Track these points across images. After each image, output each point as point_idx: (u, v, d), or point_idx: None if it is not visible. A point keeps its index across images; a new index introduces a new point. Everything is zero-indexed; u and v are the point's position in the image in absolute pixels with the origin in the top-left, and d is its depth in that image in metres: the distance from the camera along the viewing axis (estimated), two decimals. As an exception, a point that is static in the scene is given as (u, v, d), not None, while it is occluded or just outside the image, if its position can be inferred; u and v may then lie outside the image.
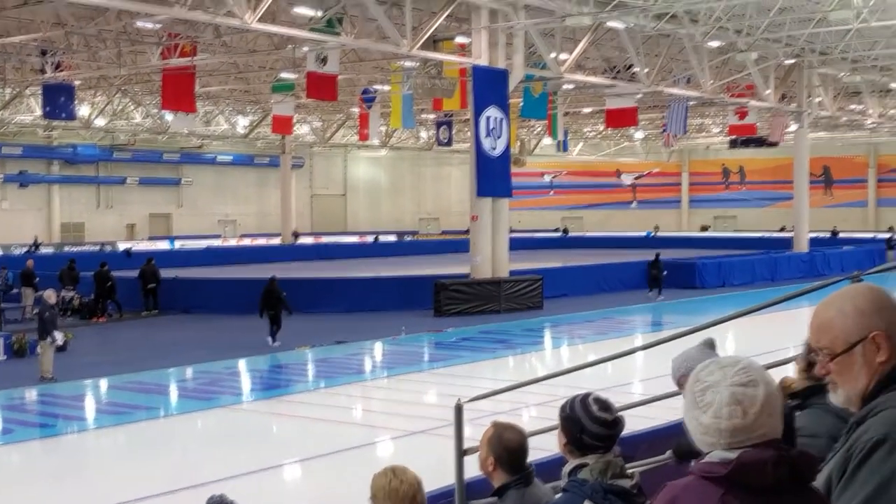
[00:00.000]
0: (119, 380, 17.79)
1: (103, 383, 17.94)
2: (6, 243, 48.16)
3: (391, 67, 32.21)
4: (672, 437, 4.60)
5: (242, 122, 53.58)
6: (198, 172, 61.91)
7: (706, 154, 70.91)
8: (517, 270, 29.35)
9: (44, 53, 29.93)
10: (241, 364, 19.88)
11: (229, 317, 26.44)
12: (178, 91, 28.36)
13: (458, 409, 5.72)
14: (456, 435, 5.68)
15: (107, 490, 11.14)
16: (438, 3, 25.36)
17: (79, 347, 21.20)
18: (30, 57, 31.05)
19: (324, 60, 26.67)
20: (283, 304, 21.90)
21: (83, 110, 44.33)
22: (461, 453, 5.59)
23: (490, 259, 27.31)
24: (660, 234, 62.83)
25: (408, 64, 30.90)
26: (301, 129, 55.88)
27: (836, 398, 2.20)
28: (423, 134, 60.09)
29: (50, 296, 18.98)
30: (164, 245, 53.90)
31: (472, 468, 4.58)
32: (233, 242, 58.18)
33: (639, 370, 16.44)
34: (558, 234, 66.62)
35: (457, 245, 45.21)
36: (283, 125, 41.55)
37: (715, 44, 31.62)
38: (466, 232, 31.60)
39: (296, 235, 57.36)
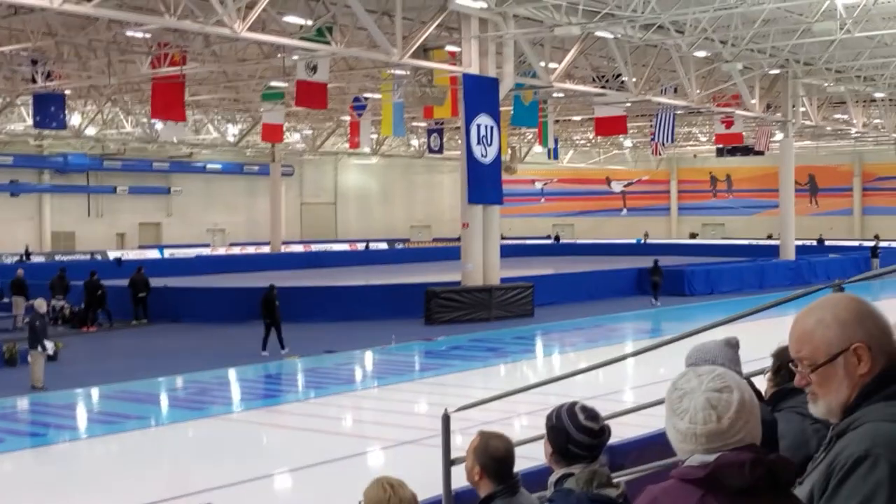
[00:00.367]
0: (110, 389, 17.77)
1: (94, 392, 17.92)
2: (-3, 252, 48.10)
3: (382, 76, 32.22)
4: (661, 445, 4.61)
5: (232, 131, 53.45)
6: (187, 181, 61.75)
7: (694, 162, 71.17)
8: (508, 278, 29.40)
9: (34, 63, 29.86)
10: (232, 373, 19.87)
11: (219, 325, 26.41)
12: (168, 100, 28.34)
13: (446, 419, 5.76)
14: (443, 445, 5.72)
15: (97, 500, 11.15)
16: (429, 12, 25.41)
17: (69, 356, 21.12)
18: (20, 66, 30.96)
19: (314, 69, 26.69)
20: (276, 312, 21.86)
21: (74, 119, 44.19)
22: (448, 463, 5.63)
23: (481, 266, 27.31)
24: (649, 241, 63.01)
25: (398, 72, 30.95)
26: (291, 137, 55.80)
27: (815, 409, 2.17)
28: (414, 141, 60.02)
29: (41, 305, 18.97)
30: (153, 254, 53.75)
31: (460, 478, 4.62)
32: (222, 251, 58.10)
33: (629, 378, 16.49)
34: (550, 241, 66.76)
35: (448, 252, 45.22)
36: (273, 133, 41.47)
37: (701, 54, 31.78)
38: (458, 239, 31.64)
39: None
